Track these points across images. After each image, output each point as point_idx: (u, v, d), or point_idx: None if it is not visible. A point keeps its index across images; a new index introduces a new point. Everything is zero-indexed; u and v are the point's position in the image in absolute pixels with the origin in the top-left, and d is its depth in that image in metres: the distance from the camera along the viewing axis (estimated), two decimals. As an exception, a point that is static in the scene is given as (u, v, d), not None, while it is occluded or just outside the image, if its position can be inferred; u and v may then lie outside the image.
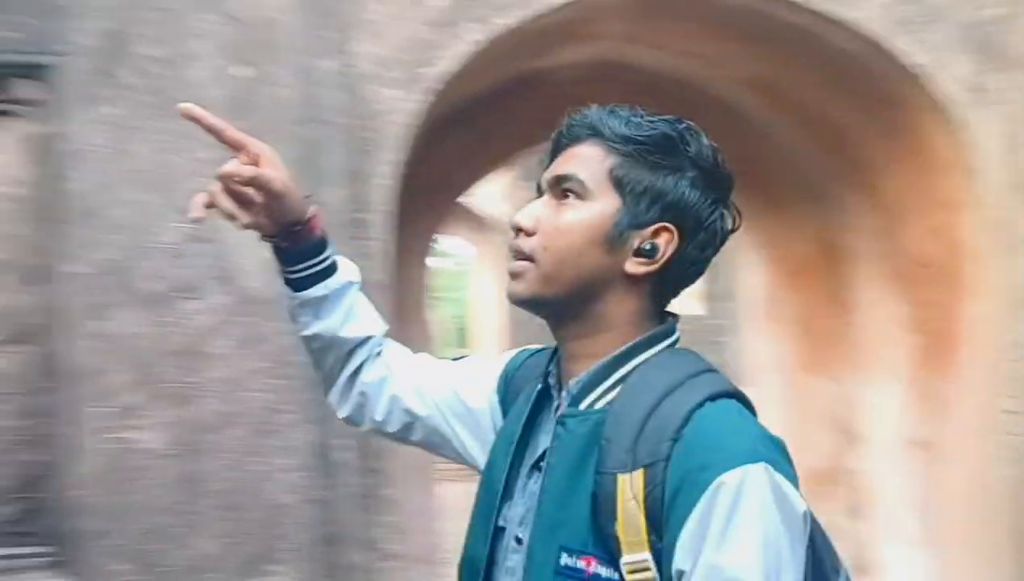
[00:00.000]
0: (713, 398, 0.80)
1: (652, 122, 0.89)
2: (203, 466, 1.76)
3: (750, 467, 0.73)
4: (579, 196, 0.89)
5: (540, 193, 0.93)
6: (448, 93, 2.11)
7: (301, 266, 0.97)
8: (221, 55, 1.88)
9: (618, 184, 0.87)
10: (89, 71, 1.82)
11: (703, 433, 0.77)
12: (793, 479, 0.77)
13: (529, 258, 0.89)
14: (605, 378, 0.87)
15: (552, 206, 0.90)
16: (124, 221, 1.80)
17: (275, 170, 0.91)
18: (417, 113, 1.99)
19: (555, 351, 0.95)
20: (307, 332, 1.01)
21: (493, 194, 7.68)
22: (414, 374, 1.06)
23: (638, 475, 0.78)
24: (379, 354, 1.06)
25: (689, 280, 0.92)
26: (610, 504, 0.79)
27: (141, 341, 1.78)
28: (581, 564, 0.80)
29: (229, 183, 0.87)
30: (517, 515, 0.89)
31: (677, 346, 0.90)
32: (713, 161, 0.88)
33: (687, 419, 0.78)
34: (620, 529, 0.77)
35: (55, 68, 1.81)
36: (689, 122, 0.90)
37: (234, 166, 0.88)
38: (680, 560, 0.74)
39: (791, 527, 0.74)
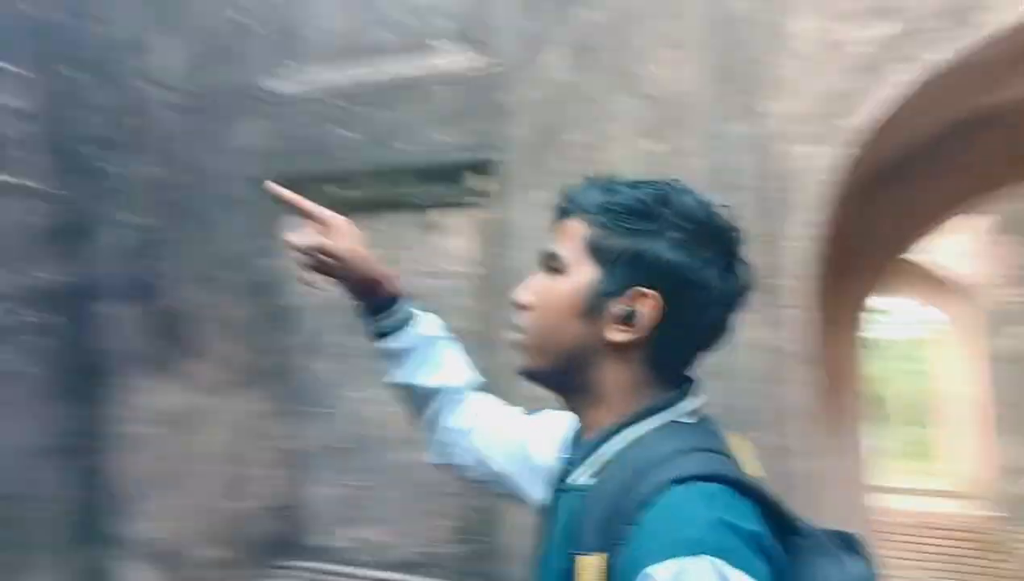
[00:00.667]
0: (681, 480, 0.74)
1: (630, 188, 0.87)
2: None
3: (687, 560, 0.67)
4: (560, 271, 0.90)
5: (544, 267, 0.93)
6: (874, 144, 1.93)
7: (376, 319, 1.11)
8: (636, 133, 1.99)
9: (594, 254, 0.87)
10: (525, 161, 2.06)
11: (652, 519, 0.73)
12: (760, 575, 0.68)
13: (522, 332, 0.92)
14: (594, 452, 0.86)
15: (544, 282, 0.91)
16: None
17: (341, 237, 1.05)
18: (836, 169, 1.85)
19: None
20: (387, 380, 1.11)
21: (958, 250, 6.74)
22: (494, 429, 1.09)
23: (601, 559, 0.75)
24: (462, 404, 1.11)
25: (700, 343, 0.88)
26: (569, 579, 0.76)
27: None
28: None
29: (298, 252, 1.03)
30: None
31: (693, 412, 0.86)
32: (704, 218, 0.85)
33: (648, 502, 0.73)
34: None
35: (499, 162, 2.09)
36: (674, 181, 0.87)
37: (298, 237, 1.03)
38: None
39: None
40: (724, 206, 0.89)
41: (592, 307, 0.87)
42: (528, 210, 2.02)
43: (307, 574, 2.17)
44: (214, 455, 2.35)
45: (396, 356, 1.13)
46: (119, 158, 2.50)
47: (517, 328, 0.93)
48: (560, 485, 0.90)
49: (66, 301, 2.47)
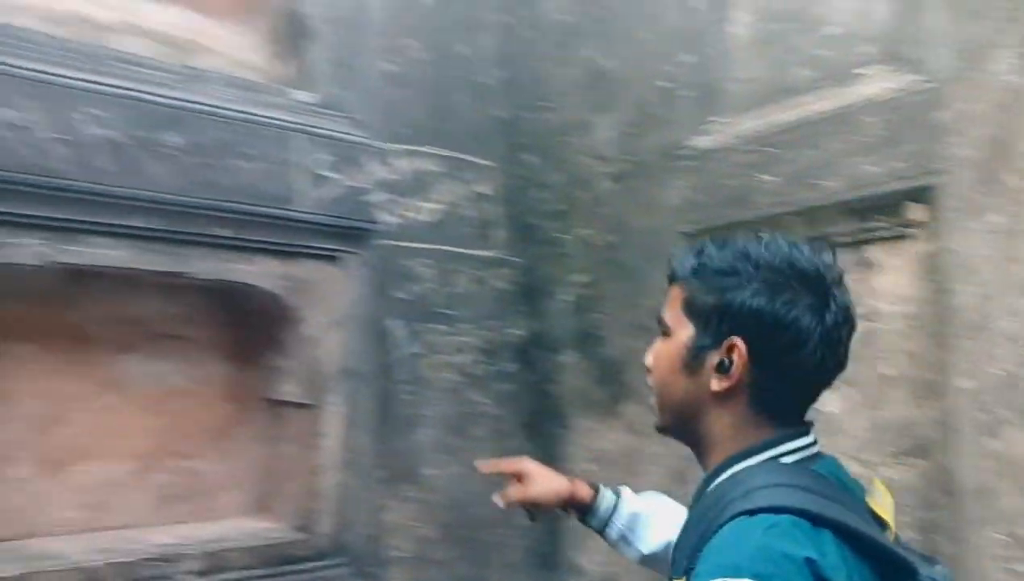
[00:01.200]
0: (750, 512, 0.81)
1: (717, 249, 0.97)
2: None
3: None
4: (667, 334, 1.01)
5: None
6: None
7: (587, 522, 1.36)
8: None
9: (690, 313, 0.98)
10: (972, 183, 1.81)
11: (711, 546, 0.82)
12: None
13: (652, 390, 1.05)
14: (702, 492, 0.96)
15: (658, 345, 1.04)
16: (1013, 333, 1.69)
17: (532, 481, 1.38)
18: None
19: None
20: (628, 556, 1.34)
21: None
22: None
23: None
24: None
25: (804, 381, 0.94)
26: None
27: (1037, 463, 1.61)
28: None
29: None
30: None
31: (795, 455, 0.91)
32: (785, 265, 0.91)
33: (715, 534, 0.83)
34: None
35: (939, 187, 1.87)
36: (756, 234, 0.97)
37: (504, 499, 1.41)
38: None
39: None
40: (820, 250, 0.96)
41: (693, 362, 0.97)
42: (977, 237, 1.77)
43: None
44: (650, 496, 2.47)
45: (618, 542, 1.33)
46: (566, 227, 2.84)
47: (648, 390, 1.07)
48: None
49: (525, 352, 2.88)
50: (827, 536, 0.81)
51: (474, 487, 2.70)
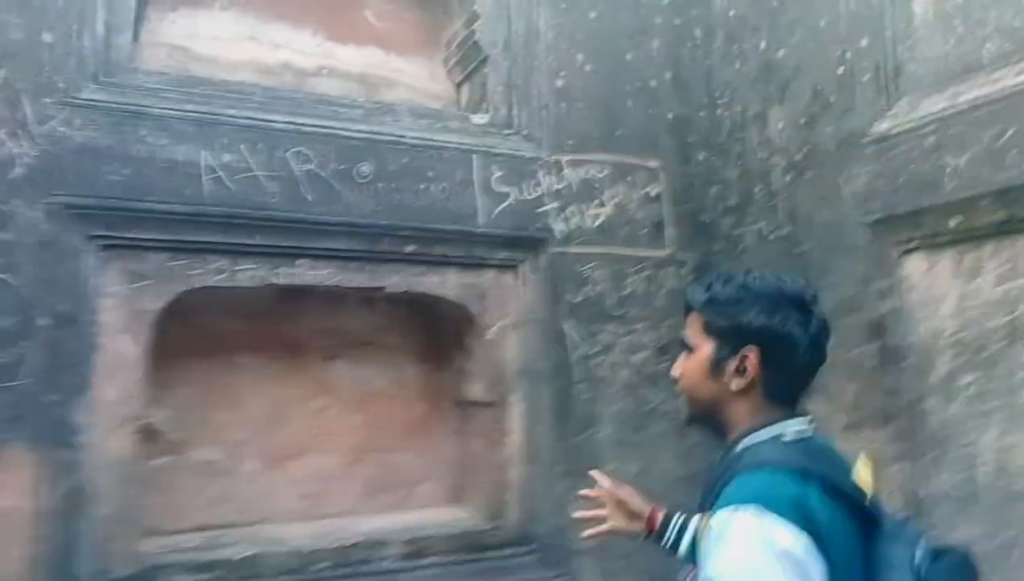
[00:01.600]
0: (750, 469, 1.17)
1: (723, 284, 1.29)
2: None
3: (739, 507, 1.08)
4: (691, 350, 1.32)
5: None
6: None
7: (662, 544, 1.62)
8: None
9: (709, 333, 1.29)
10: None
11: (727, 490, 1.15)
12: (795, 527, 1.04)
13: (681, 392, 1.35)
14: (723, 457, 1.29)
15: (684, 360, 1.34)
16: None
17: (615, 516, 1.70)
18: None
19: None
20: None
21: None
22: None
23: (701, 519, 1.22)
24: None
25: (800, 376, 1.27)
26: (695, 536, 1.27)
27: None
28: (690, 572, 1.26)
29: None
30: None
31: (794, 435, 1.21)
32: (776, 292, 1.25)
33: (726, 486, 1.17)
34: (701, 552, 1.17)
35: None
36: (750, 272, 1.30)
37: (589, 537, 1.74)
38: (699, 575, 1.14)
39: (776, 559, 1.03)
40: (797, 279, 1.28)
41: (715, 369, 1.28)
42: None
43: None
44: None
45: (686, 556, 1.50)
46: (741, 222, 2.81)
47: (677, 393, 1.37)
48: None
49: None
50: (814, 486, 1.11)
51: (654, 483, 2.75)
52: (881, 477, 1.31)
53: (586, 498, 1.75)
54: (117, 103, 2.19)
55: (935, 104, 2.20)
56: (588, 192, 2.78)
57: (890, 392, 2.27)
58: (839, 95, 2.48)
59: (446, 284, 2.59)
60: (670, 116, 2.95)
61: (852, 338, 2.38)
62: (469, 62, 2.89)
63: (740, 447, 1.24)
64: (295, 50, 2.79)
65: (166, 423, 2.51)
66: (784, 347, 1.22)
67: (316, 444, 2.71)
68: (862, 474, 1.21)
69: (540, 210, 2.69)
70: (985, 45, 2.09)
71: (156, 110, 2.23)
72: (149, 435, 2.45)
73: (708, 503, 1.19)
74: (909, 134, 2.24)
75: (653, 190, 2.88)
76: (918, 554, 1.12)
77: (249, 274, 2.33)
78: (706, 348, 1.28)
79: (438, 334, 2.86)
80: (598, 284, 2.74)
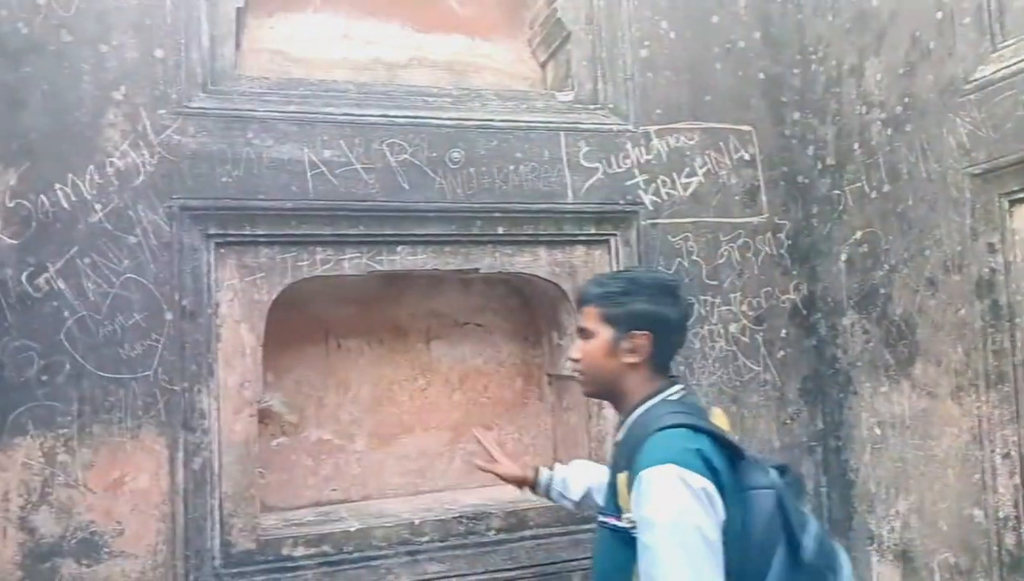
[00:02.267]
0: (661, 429, 1.46)
1: (612, 279, 1.69)
2: None
3: (660, 466, 1.39)
4: (590, 336, 1.63)
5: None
6: None
7: (537, 492, 2.00)
8: None
9: (606, 321, 1.61)
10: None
11: (644, 449, 1.46)
12: (702, 472, 1.38)
13: (579, 373, 1.67)
14: (624, 424, 1.62)
15: (583, 345, 1.64)
16: None
17: (497, 465, 2.05)
18: None
19: None
20: (568, 507, 2.00)
21: None
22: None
23: (625, 475, 1.48)
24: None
25: (675, 349, 1.63)
26: (615, 489, 1.52)
27: None
28: (610, 520, 1.53)
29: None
30: None
31: (676, 396, 1.58)
32: (657, 284, 1.63)
33: (646, 441, 1.46)
34: (621, 501, 1.49)
35: None
36: (634, 269, 2.19)
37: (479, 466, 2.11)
38: (633, 516, 1.43)
39: (695, 495, 1.36)
40: (666, 271, 1.94)
41: (612, 350, 1.59)
42: None
43: None
44: (948, 460, 2.30)
45: (559, 500, 1.97)
46: (839, 181, 2.72)
47: (577, 372, 1.67)
48: (615, 446, 1.64)
49: (800, 316, 2.82)
50: (704, 437, 1.45)
51: (752, 452, 2.72)
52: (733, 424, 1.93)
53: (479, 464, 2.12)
54: (225, 109, 2.35)
55: (1041, 45, 2.06)
56: (678, 161, 2.76)
57: (999, 353, 2.17)
58: (939, 40, 2.35)
59: (538, 262, 2.65)
60: (761, 76, 2.88)
61: (958, 297, 2.28)
62: (553, 40, 2.91)
63: (640, 411, 1.56)
64: (385, 44, 2.90)
65: (282, 406, 2.71)
66: (665, 327, 1.58)
67: (420, 422, 2.85)
68: (720, 421, 1.58)
69: (629, 183, 2.70)
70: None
71: (260, 113, 2.38)
72: (267, 418, 2.66)
73: (621, 462, 1.52)
74: (1016, 78, 2.11)
75: (746, 154, 2.83)
76: (772, 473, 1.48)
77: (353, 262, 2.46)
78: (604, 334, 1.60)
79: (532, 312, 2.93)
80: (691, 254, 2.73)
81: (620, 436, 1.60)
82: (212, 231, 2.33)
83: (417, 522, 2.50)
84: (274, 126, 2.39)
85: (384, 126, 2.50)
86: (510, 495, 2.41)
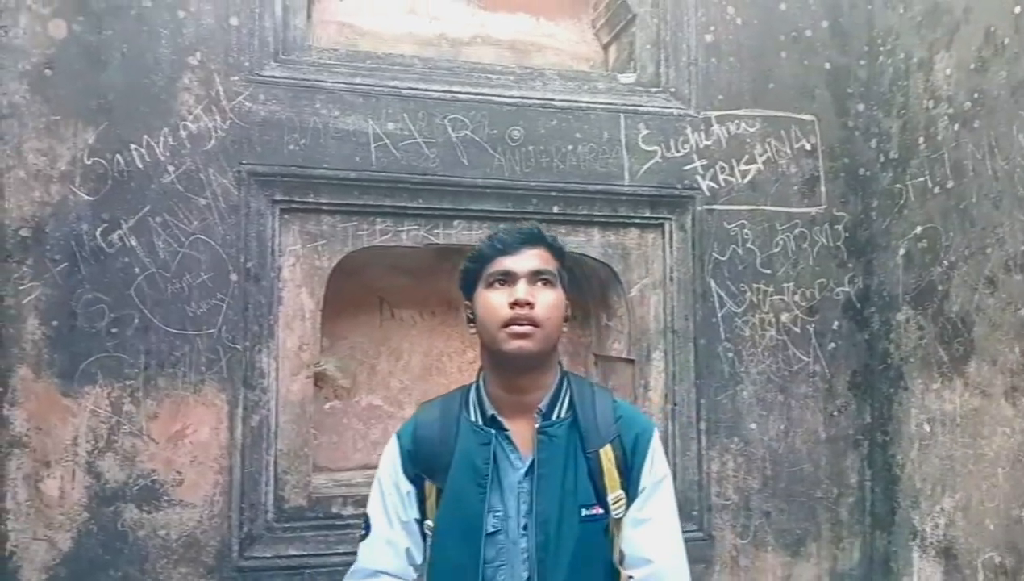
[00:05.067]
0: (607, 393, 1.55)
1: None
2: None
3: (653, 427, 1.53)
4: (551, 284, 1.44)
5: (502, 282, 1.43)
6: None
7: None
8: None
9: (560, 278, 1.47)
10: None
11: (628, 416, 1.52)
12: None
13: (535, 324, 1.39)
14: (560, 398, 1.49)
15: (544, 292, 1.43)
16: None
17: None
18: None
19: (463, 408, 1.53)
20: None
21: None
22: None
23: (608, 447, 1.46)
24: None
25: None
26: (599, 468, 1.44)
27: None
28: (595, 511, 1.43)
29: None
30: (513, 514, 1.44)
31: None
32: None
33: (615, 410, 1.50)
34: (606, 481, 1.44)
35: None
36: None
37: None
38: (644, 481, 1.45)
39: None
40: None
41: (564, 310, 1.47)
42: None
43: None
44: (999, 459, 2.27)
45: None
46: (901, 176, 2.69)
47: (527, 321, 1.39)
48: (546, 424, 1.45)
49: (855, 309, 2.80)
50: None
51: (797, 443, 2.73)
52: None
53: None
54: (294, 79, 2.41)
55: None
56: (738, 148, 2.75)
57: (1059, 354, 2.14)
58: (1015, 36, 2.30)
59: (591, 243, 2.67)
60: (827, 66, 2.85)
61: (1018, 296, 2.24)
62: (617, 22, 2.91)
63: (571, 382, 1.51)
64: (450, 20, 2.93)
65: (336, 370, 2.78)
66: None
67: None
68: None
69: (687, 168, 2.70)
70: None
71: (328, 84, 2.44)
72: (321, 381, 2.73)
73: (593, 438, 1.45)
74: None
75: (807, 144, 2.81)
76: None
77: (411, 234, 2.51)
78: (560, 290, 1.46)
79: (582, 291, 2.95)
80: (746, 242, 2.72)
81: (562, 413, 1.46)
82: (277, 197, 2.39)
83: None
84: (340, 97, 2.44)
85: (447, 102, 2.53)
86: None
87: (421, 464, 1.49)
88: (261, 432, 2.35)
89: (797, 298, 2.75)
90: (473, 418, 1.49)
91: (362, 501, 2.42)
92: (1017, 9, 2.29)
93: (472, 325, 1.51)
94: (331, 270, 2.44)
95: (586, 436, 1.45)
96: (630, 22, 2.83)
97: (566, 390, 1.49)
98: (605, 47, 3.05)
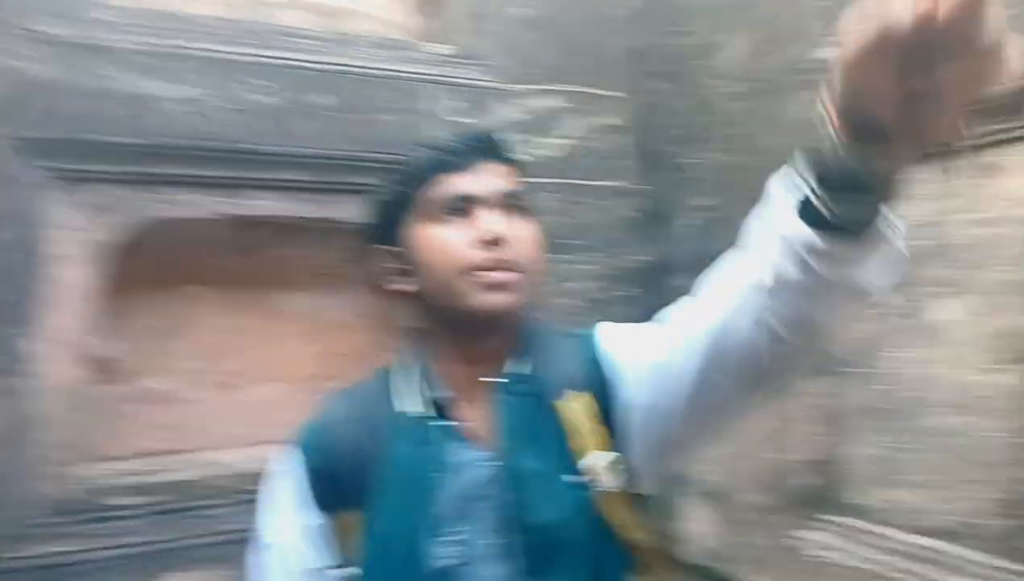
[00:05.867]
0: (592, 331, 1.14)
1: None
2: None
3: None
4: (527, 213, 1.04)
5: (456, 212, 1.01)
6: None
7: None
8: None
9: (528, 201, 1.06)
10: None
11: (583, 335, 1.14)
12: None
13: (515, 270, 0.99)
14: (521, 350, 1.08)
15: (520, 223, 1.03)
16: None
17: None
18: None
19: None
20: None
21: None
22: None
23: (577, 395, 1.03)
24: None
25: None
26: (562, 426, 1.01)
27: None
28: (575, 480, 0.98)
29: None
30: (480, 536, 0.97)
31: None
32: None
33: (588, 345, 1.10)
34: (577, 441, 1.00)
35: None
36: None
37: None
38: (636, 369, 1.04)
39: None
40: None
41: None
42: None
43: (840, 529, 2.14)
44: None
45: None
46: (694, 151, 2.85)
47: (505, 265, 1.00)
48: (508, 382, 1.06)
49: (647, 277, 2.95)
50: None
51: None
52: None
53: None
54: (76, 37, 2.23)
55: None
56: (547, 123, 2.81)
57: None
58: (790, 23, 2.49)
59: (401, 214, 2.65)
60: (631, 46, 2.96)
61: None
62: (432, -9, 2.90)
63: (537, 326, 1.13)
64: (258, -19, 2.81)
65: (121, 353, 2.61)
66: None
67: (269, 373, 2.80)
68: None
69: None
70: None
71: (116, 43, 2.27)
72: (103, 365, 2.56)
73: (573, 380, 1.06)
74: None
75: (612, 120, 2.92)
76: None
77: (208, 206, 2.40)
78: (535, 219, 1.09)
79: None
80: (552, 214, 2.80)
81: (526, 370, 1.07)
82: (54, 165, 2.21)
83: (254, 472, 2.44)
84: (129, 58, 2.29)
85: (252, 66, 2.43)
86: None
87: (335, 486, 1.04)
88: (25, 422, 2.14)
89: (599, 268, 2.86)
90: (407, 409, 1.07)
91: (147, 489, 2.30)
92: (793, -2, 2.47)
93: (393, 281, 1.08)
94: (118, 245, 2.29)
95: (553, 385, 1.05)
96: (444, -8, 2.83)
97: (526, 338, 1.10)
98: (421, 16, 3.03)
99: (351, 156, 2.53)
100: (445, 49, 2.79)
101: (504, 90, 2.76)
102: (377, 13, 2.97)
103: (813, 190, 0.78)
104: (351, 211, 2.57)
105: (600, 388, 1.03)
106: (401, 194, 1.08)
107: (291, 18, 2.79)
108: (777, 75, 2.52)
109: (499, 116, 2.74)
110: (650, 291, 2.97)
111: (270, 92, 2.45)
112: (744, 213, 2.72)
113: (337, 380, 2.71)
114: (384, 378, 1.13)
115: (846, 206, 0.75)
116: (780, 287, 0.83)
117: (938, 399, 1.90)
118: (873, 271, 0.79)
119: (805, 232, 0.78)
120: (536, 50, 2.82)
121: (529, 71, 2.80)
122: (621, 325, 1.12)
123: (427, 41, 2.88)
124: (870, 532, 2.05)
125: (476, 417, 1.05)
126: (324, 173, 2.52)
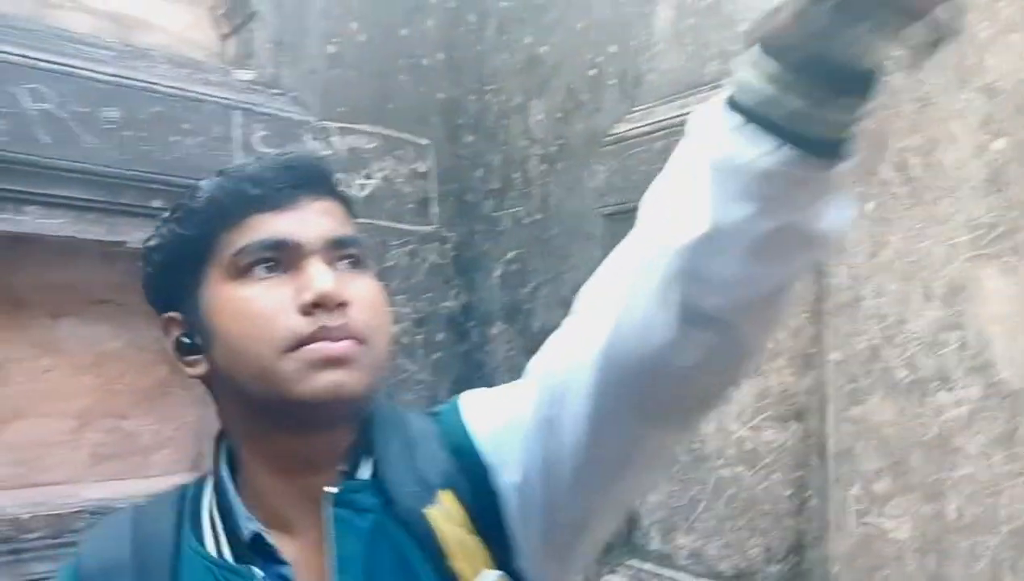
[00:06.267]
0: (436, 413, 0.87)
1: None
2: (948, 569, 1.60)
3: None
4: (362, 263, 0.79)
5: (270, 264, 0.74)
6: None
7: None
8: (981, 131, 1.77)
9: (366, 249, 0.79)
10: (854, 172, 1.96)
11: (442, 418, 0.86)
12: None
13: (357, 338, 0.74)
14: (365, 452, 0.80)
15: (357, 278, 0.78)
16: (879, 311, 1.85)
17: None
18: None
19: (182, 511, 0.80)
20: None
21: None
22: None
23: (442, 498, 0.75)
24: None
25: None
26: (434, 542, 0.72)
27: (890, 429, 1.77)
28: None
29: None
30: None
31: None
32: None
33: (442, 431, 0.82)
34: (456, 560, 0.72)
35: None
36: None
37: None
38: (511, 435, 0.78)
39: None
40: None
41: None
42: (854, 223, 1.92)
43: (640, 574, 2.30)
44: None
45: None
46: (500, 205, 2.97)
47: (345, 332, 0.73)
48: (344, 494, 0.75)
49: (457, 323, 3.02)
50: None
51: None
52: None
53: None
54: None
55: (666, 113, 2.47)
56: (356, 162, 2.79)
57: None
58: (589, 95, 2.70)
59: (198, 244, 2.48)
60: (441, 96, 3.04)
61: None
62: (236, 15, 2.78)
63: (380, 412, 0.85)
64: (37, -24, 2.52)
65: None
66: None
67: (38, 408, 2.48)
68: None
69: (304, 176, 2.66)
70: (710, 64, 2.38)
71: None
72: None
73: (434, 480, 0.79)
74: (643, 138, 2.50)
75: (421, 167, 2.96)
76: None
77: (-35, 219, 2.09)
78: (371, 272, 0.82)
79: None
80: (358, 255, 2.77)
81: (365, 474, 0.80)
82: None
83: (25, 517, 2.17)
84: None
85: (23, 68, 2.17)
86: (143, 488, 2.20)
87: None
88: None
89: (407, 310, 2.87)
90: (209, 548, 0.77)
91: None
92: (592, 72, 2.69)
93: (192, 358, 0.81)
94: None
95: (399, 496, 0.76)
96: (250, 17, 2.72)
97: (370, 431, 0.82)
98: (223, 38, 2.88)
99: (145, 176, 2.33)
100: (247, 75, 2.68)
101: (314, 125, 2.70)
102: (177, 29, 2.79)
103: (775, 79, 0.55)
104: (140, 235, 2.36)
105: (470, 483, 0.77)
106: (191, 240, 0.78)
107: (77, 22, 2.53)
108: (578, 142, 2.71)
109: (308, 151, 2.67)
110: (459, 337, 3.02)
111: (48, 99, 2.20)
112: (542, 268, 2.88)
113: (114, 417, 2.50)
114: (179, 498, 0.83)
115: (821, 99, 0.54)
116: (704, 244, 0.59)
117: (718, 451, 2.12)
118: (831, 209, 0.60)
119: (757, 150, 0.56)
120: (346, 88, 2.79)
121: (340, 108, 2.77)
122: (487, 391, 0.89)
123: (231, 66, 2.75)
124: (657, 575, 2.22)
125: (304, 553, 0.75)
126: (111, 192, 2.29)
